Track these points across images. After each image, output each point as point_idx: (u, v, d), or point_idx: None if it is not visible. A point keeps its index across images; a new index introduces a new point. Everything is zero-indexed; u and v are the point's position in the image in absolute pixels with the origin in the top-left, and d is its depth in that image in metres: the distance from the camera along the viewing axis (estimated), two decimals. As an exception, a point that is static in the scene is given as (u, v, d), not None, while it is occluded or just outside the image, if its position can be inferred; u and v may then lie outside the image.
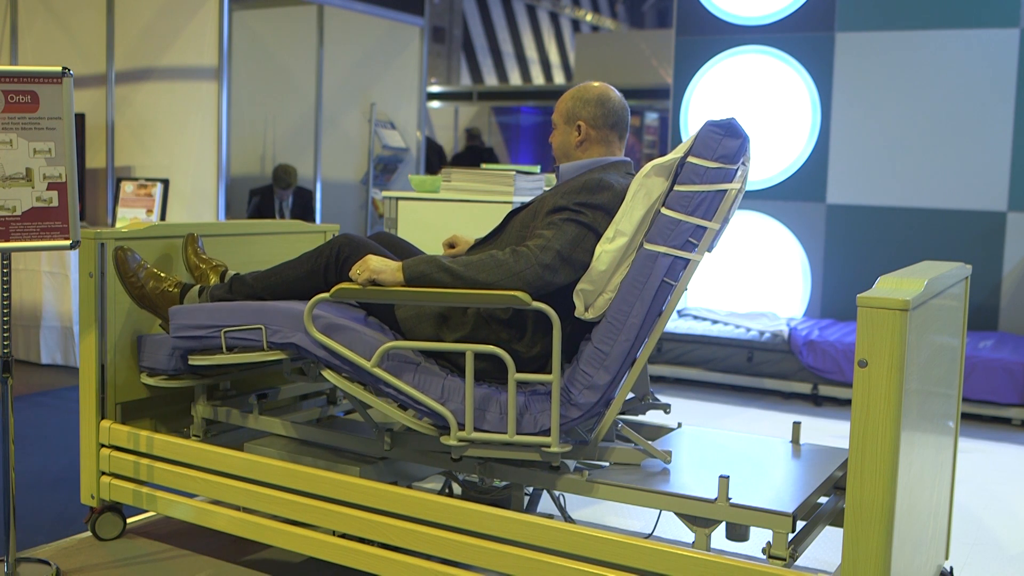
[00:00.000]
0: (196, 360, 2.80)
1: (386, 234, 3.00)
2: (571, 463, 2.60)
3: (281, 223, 3.72)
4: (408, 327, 2.64)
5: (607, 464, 2.59)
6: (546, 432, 2.45)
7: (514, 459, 2.56)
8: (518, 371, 2.47)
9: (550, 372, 2.47)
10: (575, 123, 2.69)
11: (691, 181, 2.40)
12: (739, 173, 2.43)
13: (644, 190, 2.44)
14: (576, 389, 2.46)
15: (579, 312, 2.49)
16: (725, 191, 2.40)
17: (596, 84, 2.72)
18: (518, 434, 2.45)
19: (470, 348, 2.43)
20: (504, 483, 2.84)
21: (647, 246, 2.42)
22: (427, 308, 2.61)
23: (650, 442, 2.86)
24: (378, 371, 2.50)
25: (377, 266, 2.52)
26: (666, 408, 2.94)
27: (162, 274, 3.02)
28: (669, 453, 2.52)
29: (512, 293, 2.39)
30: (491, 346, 2.43)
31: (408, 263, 2.51)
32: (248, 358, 2.71)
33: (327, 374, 2.60)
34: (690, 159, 2.42)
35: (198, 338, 2.77)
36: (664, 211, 2.42)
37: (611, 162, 2.68)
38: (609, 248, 2.44)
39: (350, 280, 2.57)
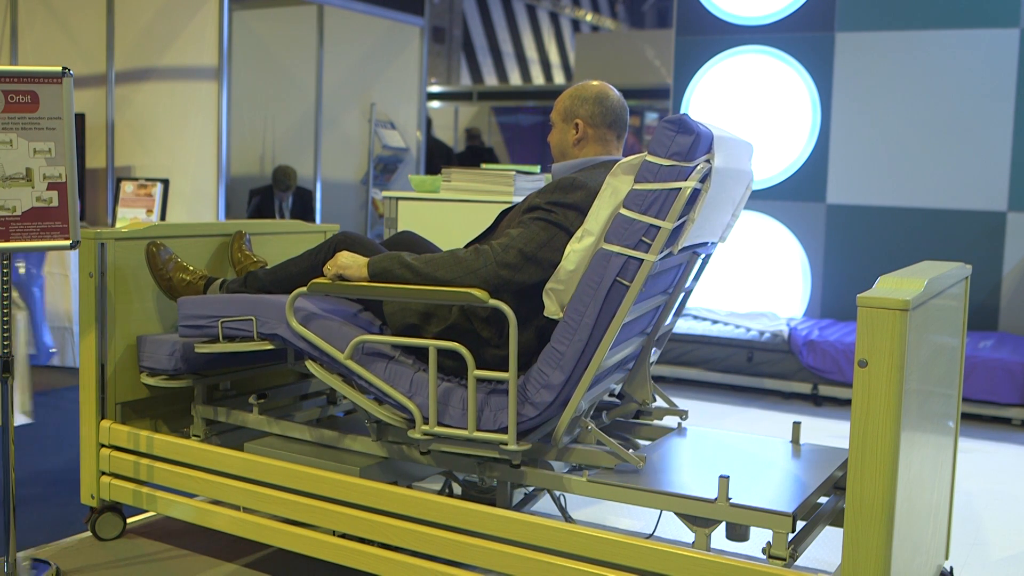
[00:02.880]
0: (200, 348, 2.87)
1: (408, 233, 3.00)
2: (560, 464, 2.60)
3: (281, 223, 3.72)
4: (393, 321, 2.66)
5: (605, 467, 2.58)
6: (505, 430, 2.45)
7: (478, 455, 2.57)
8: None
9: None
10: (573, 121, 2.68)
11: (645, 179, 2.36)
12: (696, 171, 2.35)
13: (611, 189, 2.41)
14: (532, 388, 2.46)
15: (552, 312, 2.47)
16: (679, 189, 2.33)
17: (595, 83, 2.72)
18: (478, 430, 2.47)
19: (433, 344, 2.46)
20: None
21: (604, 245, 2.39)
22: (412, 303, 2.63)
23: (648, 442, 2.86)
24: (350, 363, 2.56)
25: (345, 262, 2.57)
26: (683, 414, 2.93)
27: (190, 267, 3.13)
28: (644, 458, 2.49)
29: (468, 290, 2.40)
30: (453, 343, 2.45)
31: (373, 259, 2.55)
32: (241, 347, 2.78)
33: (310, 365, 2.67)
34: (647, 157, 2.38)
35: (200, 327, 2.85)
36: (621, 210, 2.38)
37: (602, 161, 2.66)
38: (577, 248, 2.42)
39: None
